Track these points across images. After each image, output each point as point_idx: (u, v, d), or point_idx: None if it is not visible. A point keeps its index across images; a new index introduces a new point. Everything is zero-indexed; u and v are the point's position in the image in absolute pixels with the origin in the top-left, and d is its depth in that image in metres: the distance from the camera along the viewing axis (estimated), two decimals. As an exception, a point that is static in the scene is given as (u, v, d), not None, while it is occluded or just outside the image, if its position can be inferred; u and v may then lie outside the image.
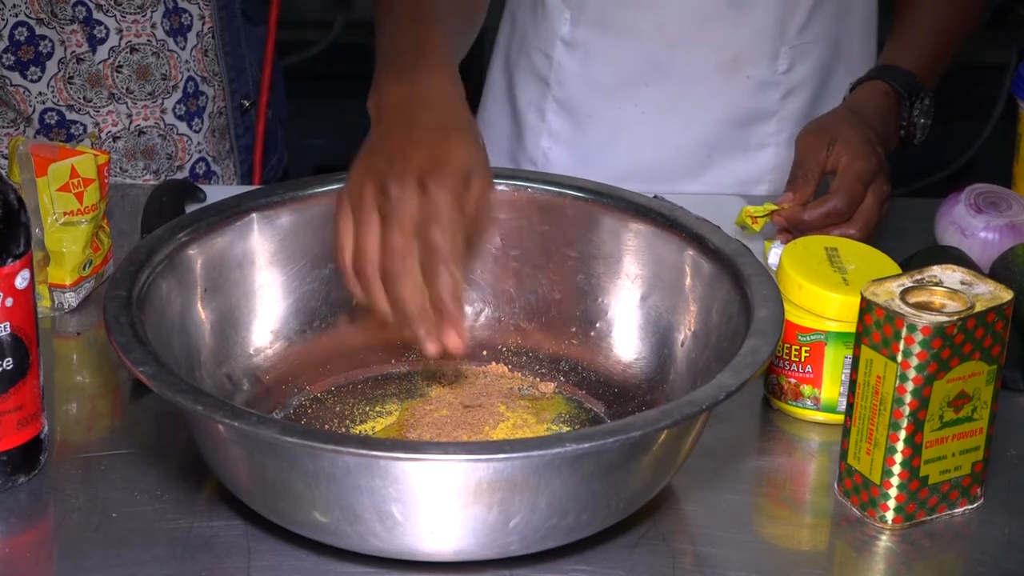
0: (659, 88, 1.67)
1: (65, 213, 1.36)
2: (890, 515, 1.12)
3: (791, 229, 1.43)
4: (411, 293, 1.11)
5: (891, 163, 1.50)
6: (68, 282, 1.37)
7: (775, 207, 1.44)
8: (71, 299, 1.38)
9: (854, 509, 1.14)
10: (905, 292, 1.10)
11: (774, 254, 1.40)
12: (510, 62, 1.77)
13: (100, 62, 1.70)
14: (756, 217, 1.45)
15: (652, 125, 1.69)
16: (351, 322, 1.26)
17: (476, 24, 1.48)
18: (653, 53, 1.66)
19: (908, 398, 1.09)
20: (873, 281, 1.12)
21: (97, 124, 1.72)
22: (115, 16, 1.70)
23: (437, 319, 1.11)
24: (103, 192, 1.39)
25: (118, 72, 1.71)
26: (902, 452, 1.10)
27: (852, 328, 1.15)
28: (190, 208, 1.52)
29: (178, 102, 1.75)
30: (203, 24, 1.75)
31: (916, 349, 1.07)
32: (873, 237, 1.43)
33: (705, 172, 1.71)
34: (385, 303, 1.13)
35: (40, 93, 1.70)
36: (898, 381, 1.09)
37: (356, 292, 1.15)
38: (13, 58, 1.68)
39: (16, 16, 1.68)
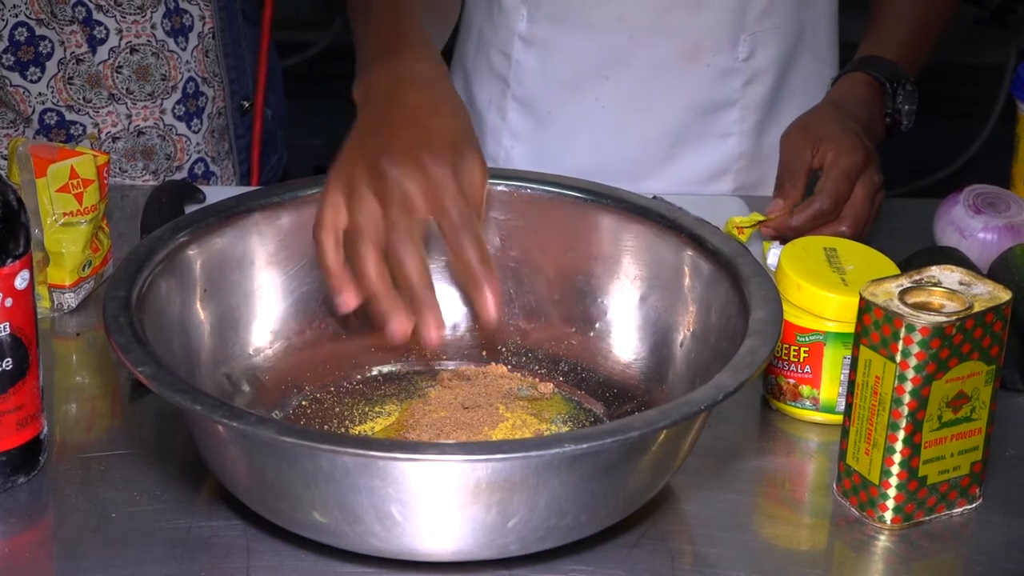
0: (620, 81, 1.65)
1: (65, 214, 1.36)
2: (889, 515, 1.12)
3: (780, 237, 1.43)
4: (419, 274, 1.10)
5: (889, 162, 1.50)
6: (68, 283, 1.37)
7: (762, 217, 1.44)
8: (71, 300, 1.38)
9: (853, 509, 1.14)
10: (904, 292, 1.11)
11: (773, 255, 1.39)
12: (466, 62, 1.75)
13: (100, 63, 1.70)
14: (743, 228, 1.44)
15: (614, 119, 1.67)
16: (350, 322, 1.26)
17: (450, 18, 1.48)
18: (612, 46, 1.64)
19: (907, 398, 1.09)
20: (872, 281, 1.12)
21: (96, 124, 1.72)
22: (115, 16, 1.70)
23: (474, 286, 1.10)
24: (103, 193, 1.39)
25: (118, 73, 1.71)
26: (901, 452, 1.10)
27: (851, 328, 1.15)
28: (189, 209, 1.52)
29: (177, 102, 1.75)
30: (204, 25, 1.75)
31: (915, 349, 1.07)
32: (868, 232, 1.43)
33: (669, 164, 1.68)
34: (379, 282, 1.11)
35: (40, 94, 1.70)
36: (897, 381, 1.09)
37: (332, 270, 1.12)
38: (13, 58, 1.68)
39: (16, 16, 1.68)
